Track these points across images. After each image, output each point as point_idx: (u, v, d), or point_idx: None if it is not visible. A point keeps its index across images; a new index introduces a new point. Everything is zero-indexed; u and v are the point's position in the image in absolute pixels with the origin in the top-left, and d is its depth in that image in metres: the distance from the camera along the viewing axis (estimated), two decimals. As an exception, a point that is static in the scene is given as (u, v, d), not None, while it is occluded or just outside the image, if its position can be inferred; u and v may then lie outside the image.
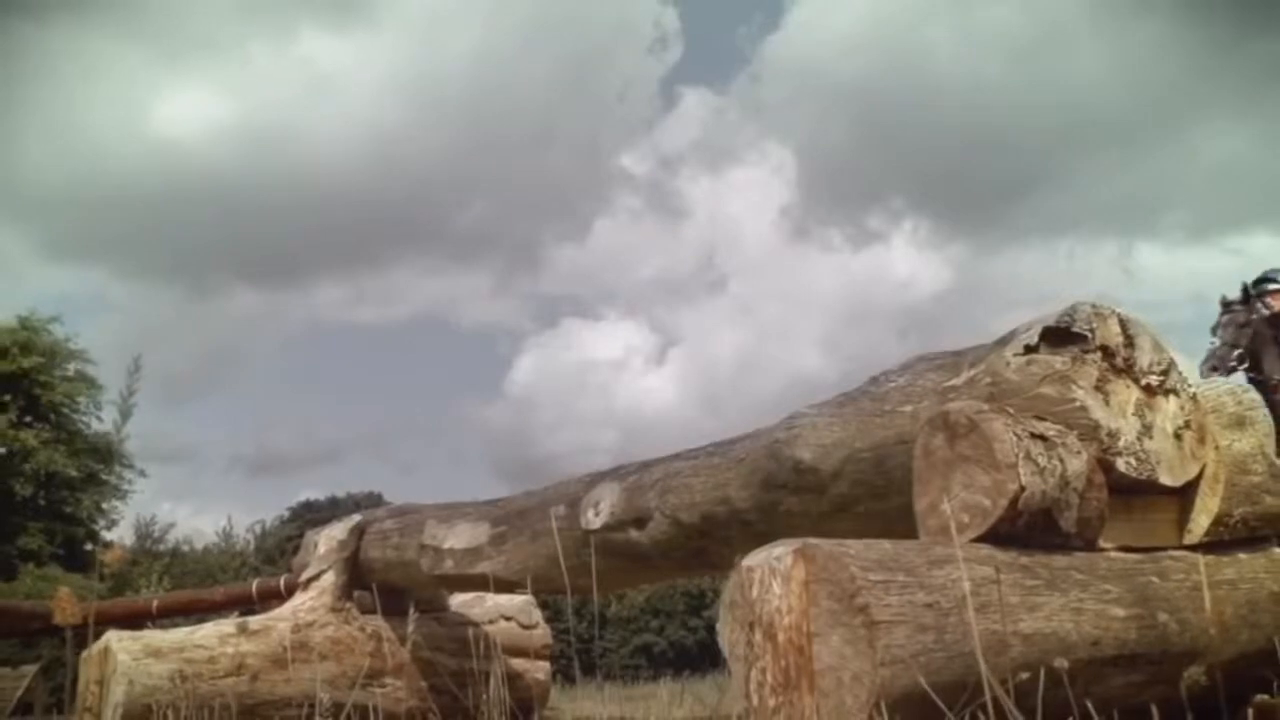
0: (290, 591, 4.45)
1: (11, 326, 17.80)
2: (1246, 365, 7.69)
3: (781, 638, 2.01)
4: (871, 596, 1.93)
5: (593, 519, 3.37)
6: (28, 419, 17.52)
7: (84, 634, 4.30)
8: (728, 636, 2.12)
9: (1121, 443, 2.34)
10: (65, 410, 18.17)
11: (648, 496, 3.23)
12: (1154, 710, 1.59)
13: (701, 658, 9.98)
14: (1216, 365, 7.63)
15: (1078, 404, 2.30)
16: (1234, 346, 7.70)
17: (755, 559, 2.10)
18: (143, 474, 18.24)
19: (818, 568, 1.99)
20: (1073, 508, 2.23)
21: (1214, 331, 7.88)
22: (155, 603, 5.41)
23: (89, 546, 17.77)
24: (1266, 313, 7.91)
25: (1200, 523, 2.50)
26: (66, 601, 5.35)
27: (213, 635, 4.11)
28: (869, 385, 2.80)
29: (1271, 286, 7.81)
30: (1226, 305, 7.84)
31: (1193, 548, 2.48)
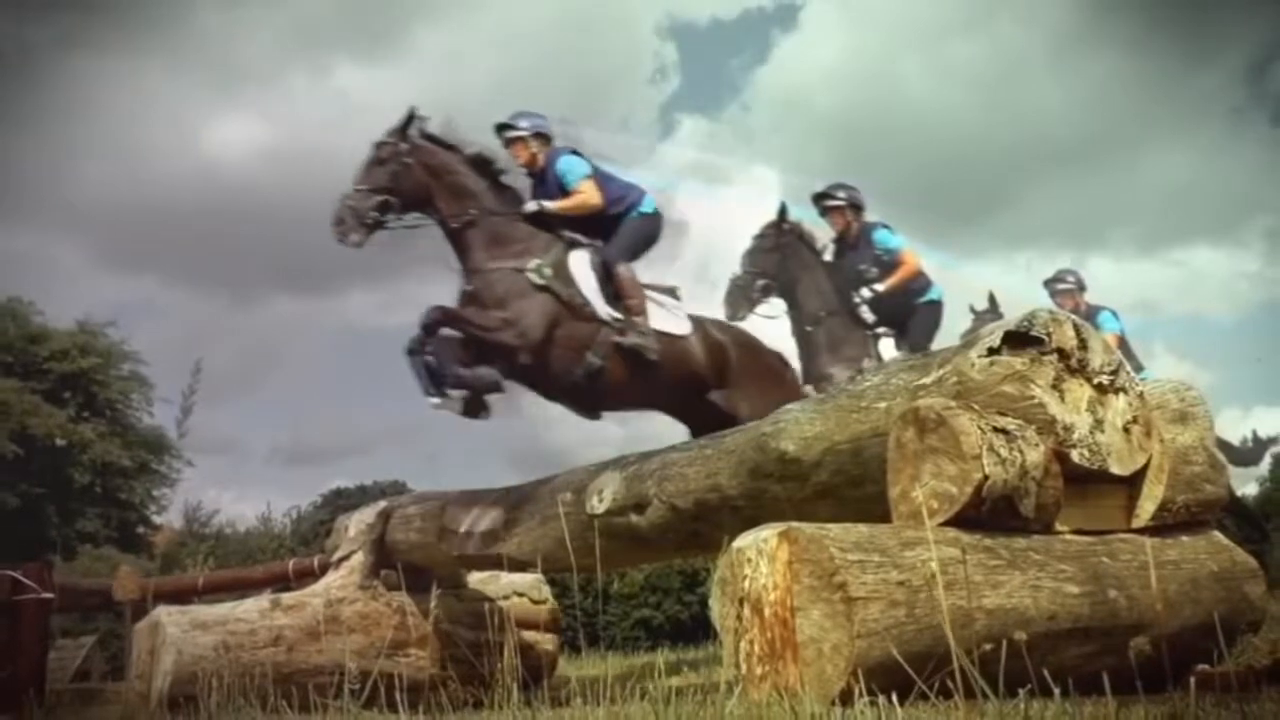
0: (323, 570, 4.43)
1: (71, 330, 17.81)
2: (776, 297, 5.93)
3: (768, 612, 2.00)
4: (849, 575, 1.93)
5: (597, 505, 3.37)
6: (86, 414, 17.52)
7: (142, 608, 4.29)
8: (719, 611, 2.11)
9: (1076, 436, 2.34)
10: (120, 406, 18.17)
11: (647, 484, 3.22)
12: (1105, 678, 1.59)
13: (695, 630, 9.94)
14: (736, 302, 5.79)
15: (1036, 401, 2.30)
16: (758, 275, 5.86)
17: (744, 541, 2.09)
18: (190, 464, 18.24)
19: (800, 549, 1.98)
20: (1032, 495, 2.23)
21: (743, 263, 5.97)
22: (201, 580, 5.38)
23: (141, 530, 17.77)
24: (828, 231, 6.09)
25: (1147, 508, 2.49)
26: (128, 579, 5.32)
27: (253, 610, 4.10)
28: (847, 384, 2.80)
29: (832, 203, 6.03)
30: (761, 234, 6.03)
31: (1140, 531, 2.47)
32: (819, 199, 6.08)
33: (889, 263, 5.93)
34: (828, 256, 6.08)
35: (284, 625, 4.05)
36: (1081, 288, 6.99)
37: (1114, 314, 6.95)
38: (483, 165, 4.59)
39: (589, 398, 4.52)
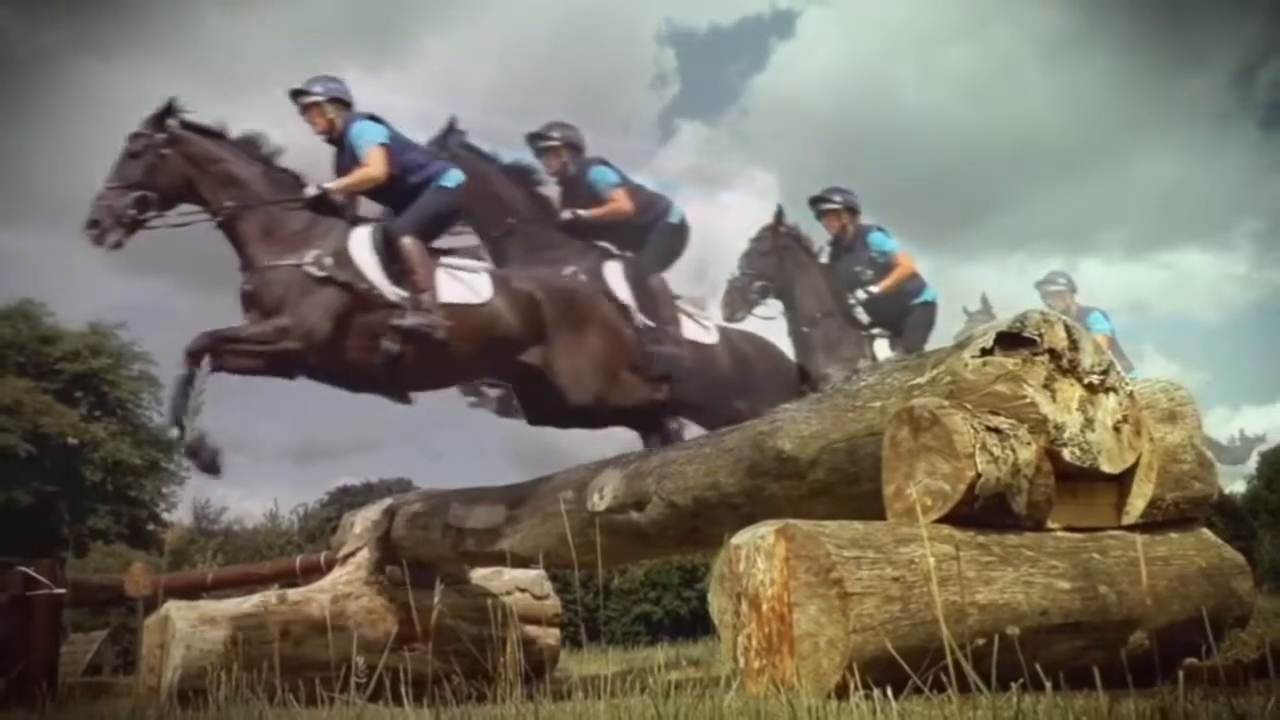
0: (330, 567, 4.44)
1: (83, 332, 17.86)
2: (773, 298, 5.94)
3: (765, 607, 2.00)
4: (845, 571, 1.93)
5: (598, 502, 3.37)
6: (97, 414, 17.57)
7: (153, 604, 4.28)
8: (718, 606, 2.11)
9: (1067, 435, 2.34)
10: (131, 406, 18.23)
11: (647, 482, 3.22)
12: (1095, 673, 1.59)
13: (694, 625, 9.97)
14: (733, 303, 5.83)
15: (1028, 400, 2.30)
16: (756, 277, 5.89)
17: (742, 538, 2.10)
18: (199, 463, 18.26)
19: (797, 545, 1.99)
20: (1023, 492, 2.23)
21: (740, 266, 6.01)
22: (210, 576, 5.38)
23: (151, 527, 17.79)
24: (825, 234, 6.05)
25: (1137, 506, 2.50)
26: (140, 575, 5.32)
27: (261, 605, 4.11)
28: (843, 384, 2.81)
29: (828, 206, 6.00)
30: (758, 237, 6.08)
31: (1130, 528, 2.48)
32: (815, 202, 6.10)
33: (884, 265, 5.97)
34: (824, 259, 6.12)
35: (291, 620, 4.05)
36: (1072, 289, 7.00)
37: (1104, 315, 6.95)
38: (254, 150, 4.16)
39: (394, 385, 4.18)
